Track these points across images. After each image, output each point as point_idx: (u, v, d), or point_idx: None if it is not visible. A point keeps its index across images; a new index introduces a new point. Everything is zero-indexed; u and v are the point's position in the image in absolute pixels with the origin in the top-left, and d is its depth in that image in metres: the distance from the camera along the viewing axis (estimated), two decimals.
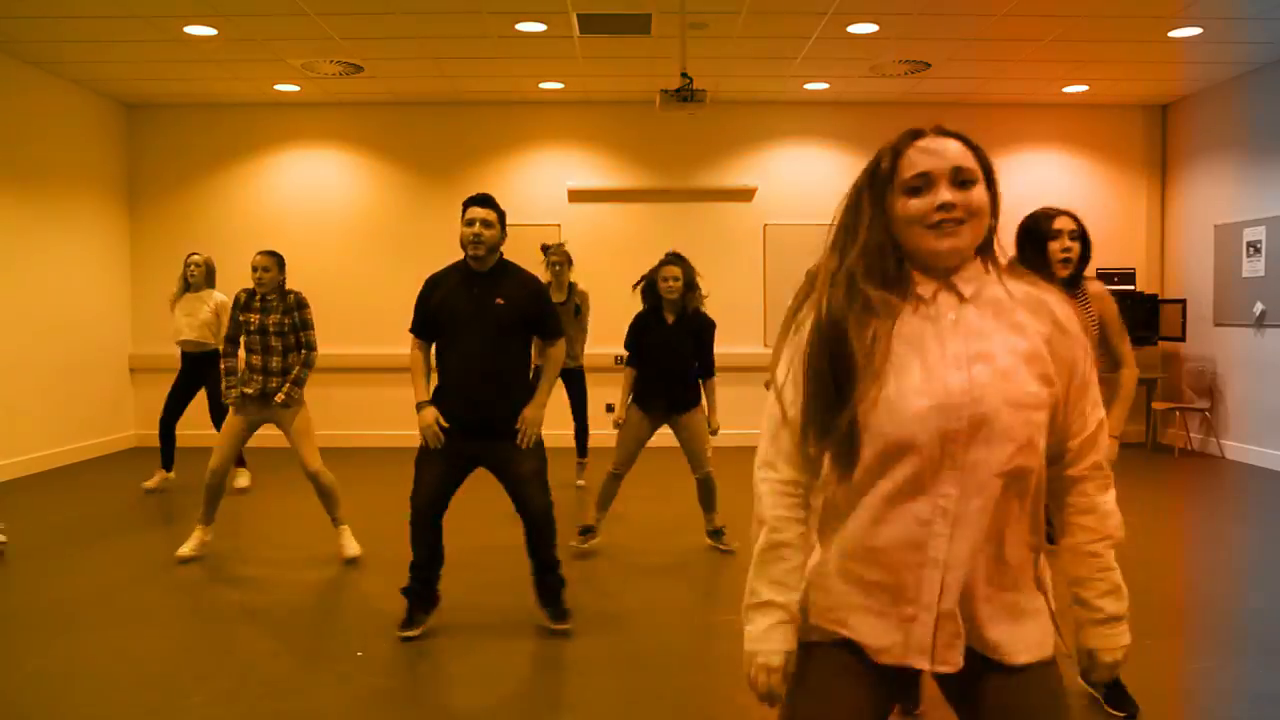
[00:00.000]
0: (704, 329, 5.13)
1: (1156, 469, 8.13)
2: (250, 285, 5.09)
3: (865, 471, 1.40)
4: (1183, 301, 8.95)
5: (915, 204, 1.39)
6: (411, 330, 4.00)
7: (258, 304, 5.03)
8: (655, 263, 5.12)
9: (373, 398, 9.25)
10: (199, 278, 6.71)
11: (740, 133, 9.35)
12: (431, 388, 3.96)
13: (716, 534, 5.28)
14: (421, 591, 3.97)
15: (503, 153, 9.37)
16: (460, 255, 3.90)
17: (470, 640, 3.91)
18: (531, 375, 4.06)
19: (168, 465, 6.97)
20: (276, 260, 5.06)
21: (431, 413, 3.84)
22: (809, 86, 8.75)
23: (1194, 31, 7.02)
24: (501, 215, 3.84)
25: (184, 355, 6.76)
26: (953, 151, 1.40)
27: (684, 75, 6.70)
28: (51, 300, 8.09)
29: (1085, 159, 9.46)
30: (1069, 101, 9.19)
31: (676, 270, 4.96)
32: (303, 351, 5.05)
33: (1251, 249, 8.12)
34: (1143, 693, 3.23)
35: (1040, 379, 1.40)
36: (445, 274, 3.95)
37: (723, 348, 9.33)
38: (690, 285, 5.02)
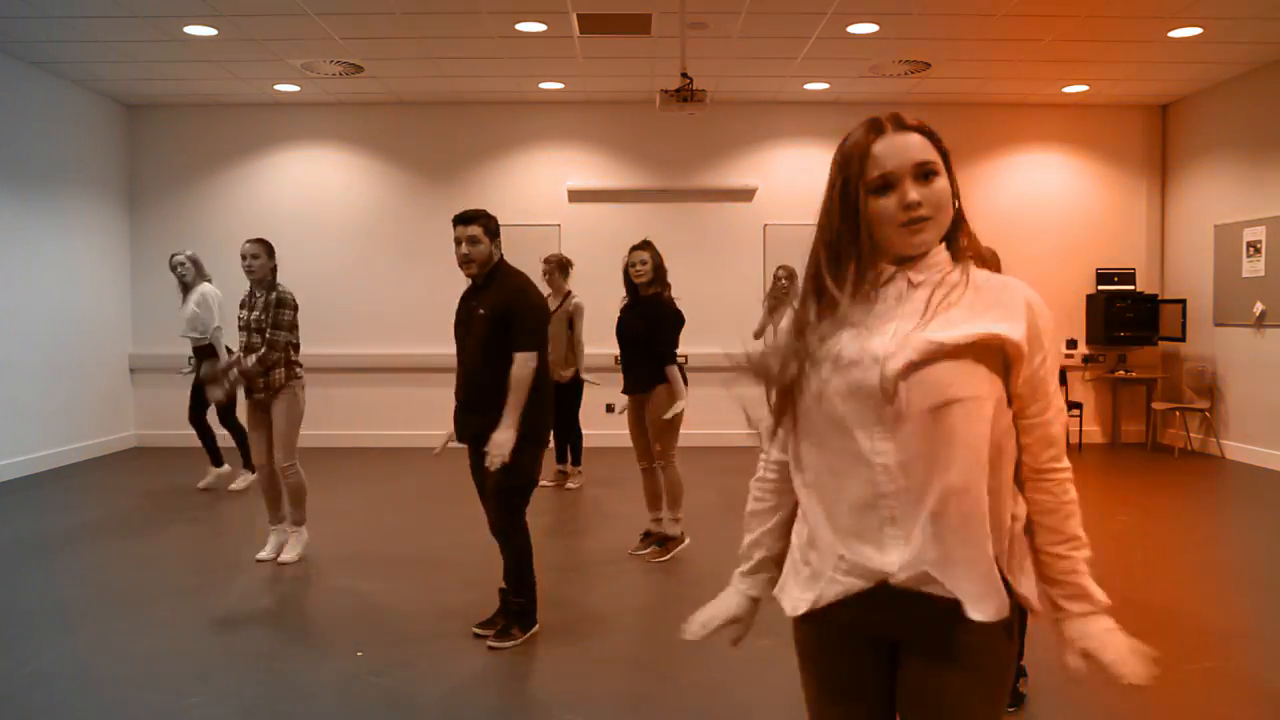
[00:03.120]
0: (661, 316, 5.02)
1: (1156, 469, 8.13)
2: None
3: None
4: (1183, 301, 8.95)
5: (882, 203, 1.44)
6: None
7: (248, 300, 4.96)
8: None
9: (373, 398, 9.24)
10: (191, 275, 6.73)
11: (740, 133, 9.35)
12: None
13: (646, 536, 5.25)
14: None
15: (503, 153, 9.37)
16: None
17: (469, 640, 3.90)
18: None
19: (217, 461, 6.99)
20: (265, 247, 4.92)
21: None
22: (809, 86, 8.75)
23: (1194, 31, 7.02)
24: (488, 225, 3.78)
25: (193, 349, 6.82)
26: (914, 147, 1.45)
27: (684, 75, 6.70)
28: (51, 300, 8.09)
29: (1085, 159, 9.46)
30: (1069, 101, 9.19)
31: (644, 254, 5.04)
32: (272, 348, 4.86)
33: (1251, 249, 8.12)
34: (1143, 693, 3.23)
35: (984, 362, 1.42)
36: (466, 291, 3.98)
37: (722, 347, 9.38)
38: (659, 269, 5.04)
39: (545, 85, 8.70)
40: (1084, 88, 8.70)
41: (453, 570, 4.86)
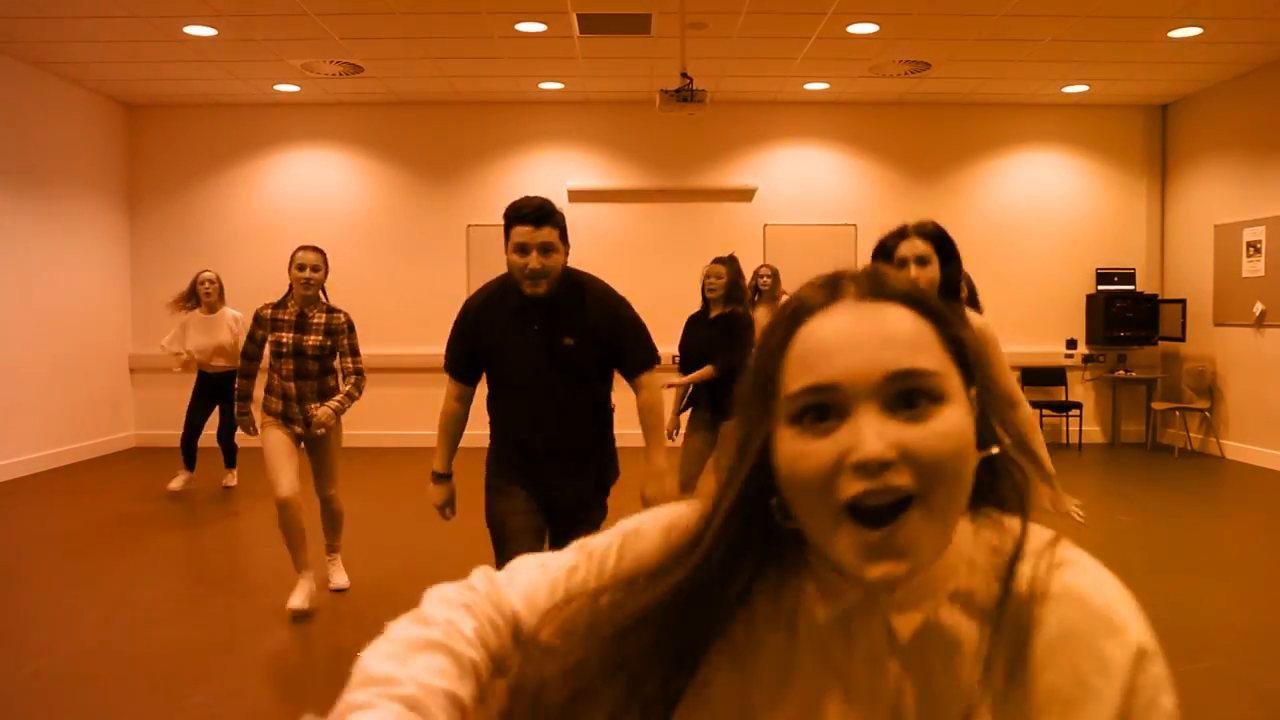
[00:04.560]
0: (736, 325, 4.87)
1: (1156, 469, 8.13)
2: (271, 293, 4.58)
3: None
4: (1183, 301, 8.95)
5: (810, 450, 0.69)
6: (447, 369, 2.93)
7: (289, 319, 4.22)
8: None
9: (371, 398, 9.21)
10: (214, 296, 6.67)
11: (740, 133, 9.34)
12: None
13: None
14: None
15: (503, 153, 9.37)
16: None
17: None
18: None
19: (190, 465, 6.95)
20: (325, 258, 4.26)
21: (442, 493, 3.03)
22: (809, 86, 8.75)
23: (1194, 31, 7.02)
24: (564, 227, 2.71)
25: (202, 373, 6.78)
26: (894, 339, 0.70)
27: (684, 75, 6.70)
28: (51, 301, 8.09)
29: (1085, 159, 9.46)
30: (1069, 101, 9.19)
31: (720, 269, 4.93)
32: (351, 378, 4.42)
33: (1251, 249, 8.12)
34: None
35: None
36: (489, 302, 2.84)
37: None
38: (734, 285, 4.92)
39: (545, 85, 8.70)
40: (1084, 88, 8.70)
41: (457, 571, 4.86)
